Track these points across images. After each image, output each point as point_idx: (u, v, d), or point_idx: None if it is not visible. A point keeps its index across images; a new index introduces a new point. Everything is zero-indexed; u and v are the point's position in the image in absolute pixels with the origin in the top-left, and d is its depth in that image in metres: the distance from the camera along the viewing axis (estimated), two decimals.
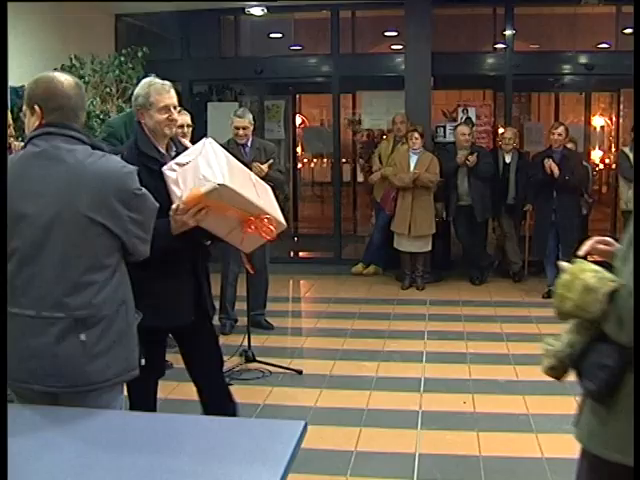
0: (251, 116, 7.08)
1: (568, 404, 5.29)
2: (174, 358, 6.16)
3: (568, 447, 4.52)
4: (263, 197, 3.81)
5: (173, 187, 3.59)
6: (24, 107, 2.99)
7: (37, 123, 2.90)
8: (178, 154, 3.84)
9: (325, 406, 5.14)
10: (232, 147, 6.91)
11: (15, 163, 2.89)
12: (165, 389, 5.54)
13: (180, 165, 3.62)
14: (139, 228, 3.01)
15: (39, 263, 2.82)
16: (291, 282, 9.58)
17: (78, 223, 2.85)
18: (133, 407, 4.09)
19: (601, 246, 2.69)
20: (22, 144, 3.08)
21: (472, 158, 8.89)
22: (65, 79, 2.99)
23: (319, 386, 5.67)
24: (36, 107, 2.89)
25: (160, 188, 3.64)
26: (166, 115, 3.84)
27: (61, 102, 2.92)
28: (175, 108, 3.89)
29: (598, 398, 2.44)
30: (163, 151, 3.91)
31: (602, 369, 2.40)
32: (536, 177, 8.61)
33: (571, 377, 2.54)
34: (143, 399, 4.14)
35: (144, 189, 3.05)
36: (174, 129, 3.94)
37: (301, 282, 9.86)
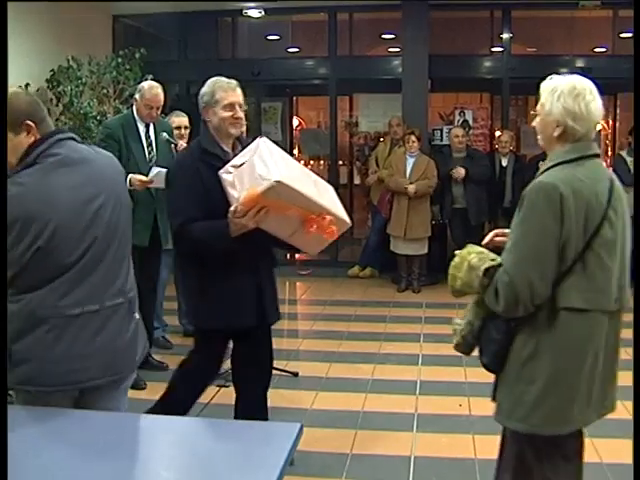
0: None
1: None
2: (170, 359, 6.20)
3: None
4: (324, 195, 3.72)
5: (230, 190, 3.59)
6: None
7: (33, 139, 2.80)
8: None
9: (321, 408, 5.13)
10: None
11: (46, 179, 2.77)
12: (160, 391, 5.52)
13: (235, 167, 3.62)
14: None
15: (107, 257, 2.92)
16: (287, 284, 9.57)
17: (128, 210, 3.08)
18: (167, 406, 4.19)
19: (498, 238, 3.15)
20: None
21: (458, 173, 8.91)
22: (21, 90, 3.02)
23: (315, 388, 5.67)
24: (29, 122, 2.78)
25: (221, 187, 3.69)
26: (231, 113, 3.88)
27: (43, 111, 2.90)
28: (240, 107, 3.93)
29: (490, 368, 2.96)
30: (228, 149, 3.94)
31: (492, 342, 2.91)
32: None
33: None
34: (181, 400, 4.24)
35: None
36: (240, 129, 3.96)
37: (297, 284, 9.85)
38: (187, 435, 2.67)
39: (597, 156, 2.96)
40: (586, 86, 2.92)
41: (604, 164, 3.08)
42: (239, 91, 3.97)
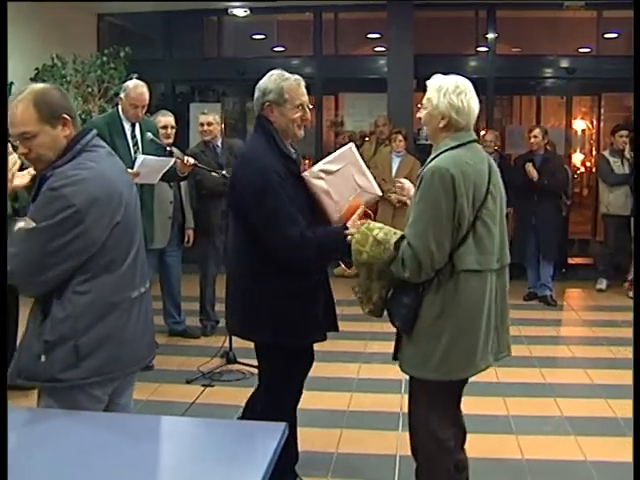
0: (218, 116, 7.14)
1: (547, 406, 5.36)
2: (155, 359, 6.18)
3: (548, 448, 4.62)
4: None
5: (324, 196, 3.58)
6: (40, 124, 2.81)
7: (69, 132, 2.86)
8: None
9: (306, 407, 5.10)
10: (204, 149, 6.95)
11: (107, 164, 2.95)
12: (146, 391, 5.54)
13: (327, 173, 3.58)
14: None
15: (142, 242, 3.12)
16: None
17: None
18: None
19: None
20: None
21: None
22: (51, 85, 3.07)
23: None
24: (66, 116, 2.84)
25: (300, 192, 3.57)
26: (301, 113, 3.67)
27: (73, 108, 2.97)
28: (309, 107, 3.72)
29: (403, 330, 3.38)
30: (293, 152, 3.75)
31: (403, 307, 3.33)
32: (516, 181, 8.64)
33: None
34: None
35: None
36: (303, 131, 3.73)
37: None
38: (172, 435, 2.68)
39: (476, 142, 3.43)
40: (467, 85, 3.37)
41: (481, 147, 3.49)
42: (304, 87, 3.74)
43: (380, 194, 3.69)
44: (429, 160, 3.35)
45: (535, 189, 8.43)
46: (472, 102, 3.36)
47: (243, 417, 4.02)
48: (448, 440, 3.51)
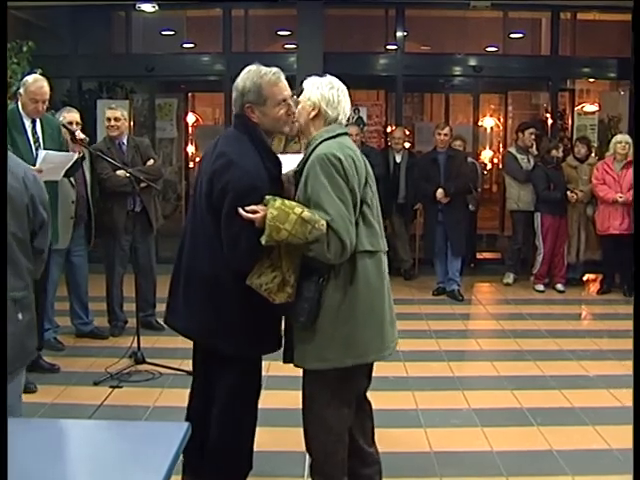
0: (126, 112, 7.01)
1: (455, 399, 5.45)
2: (61, 361, 6.08)
3: (455, 441, 4.68)
4: None
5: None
6: None
7: None
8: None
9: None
10: (110, 146, 6.80)
11: None
12: (51, 393, 5.43)
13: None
14: None
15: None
16: None
17: None
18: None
19: None
20: None
21: None
22: None
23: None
24: None
25: (275, 191, 3.43)
26: (285, 109, 3.52)
27: None
28: (291, 98, 3.55)
29: (307, 324, 3.37)
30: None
31: (305, 301, 3.35)
32: (423, 189, 8.73)
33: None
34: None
35: None
36: (292, 126, 3.57)
37: None
38: (76, 438, 2.63)
39: (347, 134, 3.57)
40: (340, 84, 3.57)
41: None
42: (285, 81, 3.56)
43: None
44: (309, 151, 3.45)
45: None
46: (343, 97, 3.54)
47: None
48: (344, 433, 3.60)
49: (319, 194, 3.31)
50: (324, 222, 3.24)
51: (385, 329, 3.51)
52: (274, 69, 3.54)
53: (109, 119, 6.84)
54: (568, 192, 8.94)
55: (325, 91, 3.48)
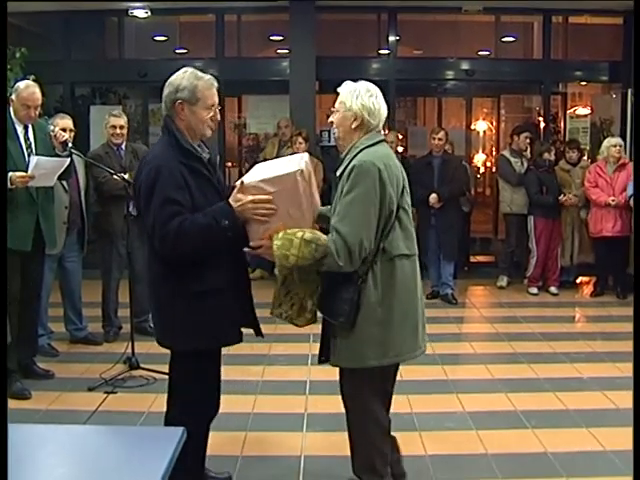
0: (126, 118, 7.02)
1: (450, 402, 5.45)
2: (56, 367, 6.07)
3: (450, 444, 4.69)
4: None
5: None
6: None
7: None
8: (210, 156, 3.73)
9: None
10: (108, 151, 6.81)
11: None
12: (46, 399, 5.42)
13: (261, 191, 3.47)
14: None
15: None
16: None
17: None
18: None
19: None
20: None
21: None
22: None
23: None
24: None
25: (204, 187, 3.55)
26: (212, 114, 3.65)
27: None
28: (218, 108, 3.70)
29: (346, 324, 3.44)
30: (200, 150, 3.69)
31: (344, 302, 3.42)
32: (417, 193, 8.74)
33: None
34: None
35: None
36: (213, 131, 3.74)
37: None
38: (71, 444, 2.62)
39: (385, 141, 3.67)
40: (377, 89, 3.61)
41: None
42: (216, 89, 3.70)
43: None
44: (349, 158, 3.51)
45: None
46: (382, 104, 3.60)
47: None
48: (388, 424, 3.79)
49: (343, 200, 3.41)
50: (325, 237, 3.36)
51: (419, 330, 3.62)
52: (209, 76, 3.69)
53: (114, 127, 6.86)
54: (561, 196, 8.95)
55: (365, 100, 3.54)
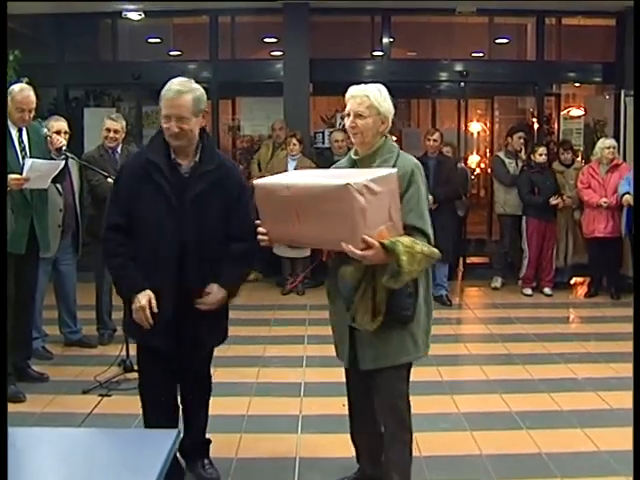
0: (124, 123, 6.99)
1: (445, 403, 5.46)
2: (50, 370, 6.06)
3: (445, 445, 4.69)
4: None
5: (358, 215, 3.13)
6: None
7: None
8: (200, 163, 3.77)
9: None
10: (102, 153, 6.80)
11: None
12: (40, 403, 5.41)
13: (371, 192, 3.15)
14: None
15: None
16: None
17: None
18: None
19: None
20: None
21: None
22: None
23: None
24: None
25: (157, 202, 3.69)
26: (167, 125, 3.66)
27: None
28: (179, 119, 3.63)
29: (410, 319, 3.49)
30: (180, 160, 3.74)
31: (409, 296, 3.44)
32: None
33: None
34: None
35: None
36: (179, 141, 3.69)
37: None
38: (65, 447, 2.62)
39: None
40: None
41: None
42: (182, 102, 3.63)
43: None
44: (384, 161, 3.52)
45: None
46: None
47: None
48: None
49: (418, 202, 3.48)
50: (432, 248, 3.39)
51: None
52: (173, 86, 3.67)
53: (109, 130, 6.82)
54: (551, 198, 8.94)
55: (389, 102, 3.58)
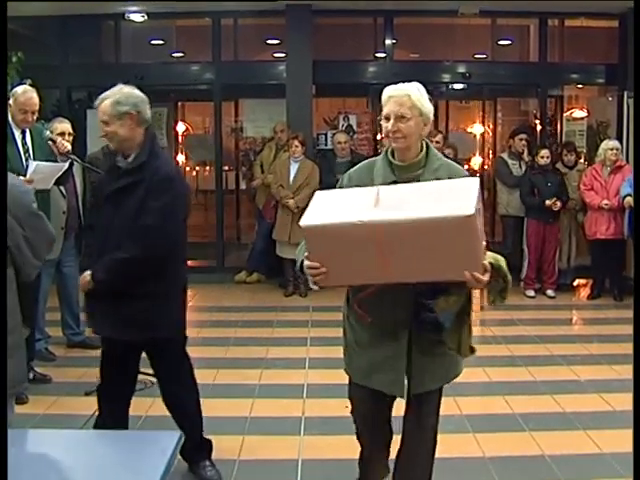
0: None
1: (448, 405, 5.42)
2: (53, 372, 6.06)
3: (447, 447, 4.67)
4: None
5: (481, 239, 2.95)
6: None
7: None
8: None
9: (208, 415, 5.08)
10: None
11: None
12: (43, 404, 5.42)
13: (479, 213, 2.91)
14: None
15: None
16: None
17: None
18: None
19: None
20: None
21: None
22: None
23: (202, 395, 5.61)
24: None
25: (106, 210, 3.93)
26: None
27: None
28: (105, 123, 3.87)
29: (450, 333, 3.30)
30: (120, 159, 3.99)
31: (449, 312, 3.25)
32: None
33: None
34: None
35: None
36: (112, 144, 3.99)
37: None
38: (68, 448, 2.62)
39: None
40: None
41: None
42: (103, 107, 3.87)
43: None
44: (437, 169, 3.27)
45: None
46: None
47: None
48: None
49: None
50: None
51: None
52: (104, 94, 3.96)
53: None
54: (547, 200, 8.90)
55: (429, 102, 3.23)
